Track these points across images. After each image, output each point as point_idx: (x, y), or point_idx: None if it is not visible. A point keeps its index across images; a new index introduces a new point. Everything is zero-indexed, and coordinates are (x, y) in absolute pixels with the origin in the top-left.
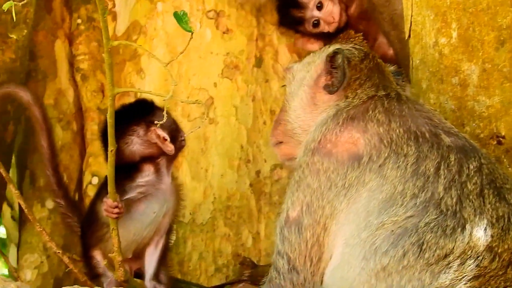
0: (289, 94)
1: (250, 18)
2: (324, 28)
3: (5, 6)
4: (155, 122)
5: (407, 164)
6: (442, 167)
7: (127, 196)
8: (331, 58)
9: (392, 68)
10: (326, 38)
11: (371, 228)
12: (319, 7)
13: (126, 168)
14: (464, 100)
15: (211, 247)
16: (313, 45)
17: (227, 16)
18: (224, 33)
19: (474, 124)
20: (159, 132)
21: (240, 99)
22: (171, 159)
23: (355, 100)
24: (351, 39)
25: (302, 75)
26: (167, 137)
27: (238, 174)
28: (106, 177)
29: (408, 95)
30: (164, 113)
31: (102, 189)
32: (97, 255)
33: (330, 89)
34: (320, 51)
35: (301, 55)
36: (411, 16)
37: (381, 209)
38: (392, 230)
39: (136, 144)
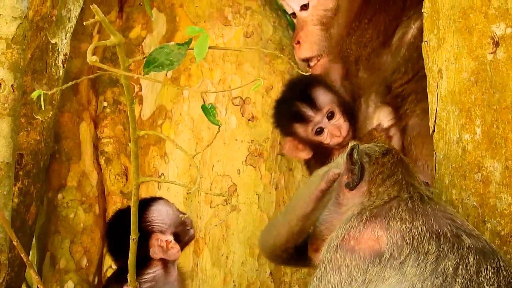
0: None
1: None
2: (326, 139)
3: (34, 95)
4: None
5: (427, 263)
6: (460, 267)
7: None
8: (350, 155)
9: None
10: (319, 152)
11: None
12: (330, 116)
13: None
14: (486, 197)
15: None
16: (302, 154)
17: (252, 104)
18: (249, 120)
19: (495, 222)
20: (160, 242)
21: (263, 187)
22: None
23: (378, 199)
24: (374, 139)
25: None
26: (170, 238)
27: (259, 263)
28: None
29: (430, 196)
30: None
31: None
32: None
33: (350, 186)
34: (344, 151)
35: None
36: (436, 111)
37: None
38: None
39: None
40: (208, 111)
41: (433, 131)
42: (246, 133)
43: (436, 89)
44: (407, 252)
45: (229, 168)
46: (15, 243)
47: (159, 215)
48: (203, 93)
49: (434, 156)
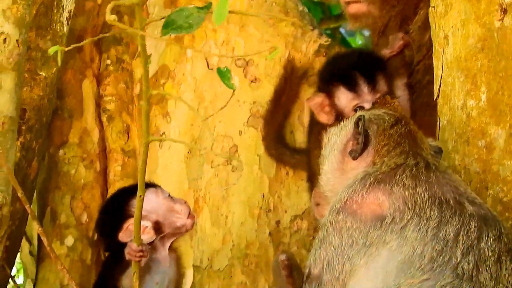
0: (322, 157)
1: (278, 68)
2: None
3: (51, 51)
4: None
5: (428, 228)
6: (461, 233)
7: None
8: (356, 123)
9: (433, 143)
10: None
11: None
12: (375, 102)
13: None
14: (489, 163)
15: None
16: (324, 116)
17: (255, 65)
18: (252, 81)
19: (498, 188)
20: (130, 227)
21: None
22: (165, 237)
23: (383, 167)
24: (387, 105)
25: (334, 139)
26: (147, 224)
27: (258, 223)
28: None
29: (437, 164)
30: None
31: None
32: None
33: (353, 154)
34: (353, 116)
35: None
36: (441, 76)
37: (399, 271)
38: None
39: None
40: (223, 74)
41: (438, 96)
42: (249, 95)
43: (442, 55)
44: (409, 217)
45: (231, 129)
46: (19, 194)
47: (145, 201)
48: (207, 55)
49: (438, 121)
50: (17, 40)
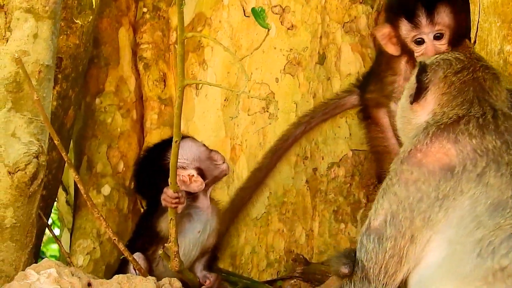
0: (399, 105)
1: (315, 15)
2: (419, 52)
3: None
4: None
5: None
6: None
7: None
8: (418, 69)
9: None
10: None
11: (486, 227)
12: (438, 36)
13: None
14: None
15: (264, 242)
16: (391, 48)
17: (292, 12)
18: (288, 29)
19: None
20: (181, 177)
21: (301, 96)
22: (206, 185)
23: (444, 118)
24: (465, 49)
25: (407, 86)
26: (192, 173)
27: (295, 171)
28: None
29: (506, 111)
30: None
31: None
32: (140, 259)
33: (409, 100)
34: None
35: (364, 55)
36: (478, 22)
37: (492, 211)
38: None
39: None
40: (258, 14)
41: (475, 42)
42: (285, 42)
43: (479, 0)
44: (484, 164)
45: (267, 76)
46: (56, 143)
47: (184, 151)
48: (244, 2)
49: None
50: None
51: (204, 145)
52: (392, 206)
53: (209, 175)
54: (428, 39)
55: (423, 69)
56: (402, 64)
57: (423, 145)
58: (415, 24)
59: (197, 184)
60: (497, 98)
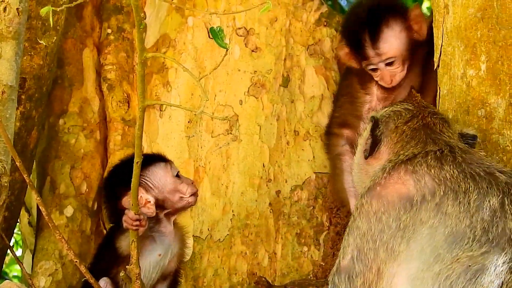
0: (354, 160)
1: (279, 37)
2: (376, 77)
3: (43, 11)
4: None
5: (470, 200)
6: (506, 202)
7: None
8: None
9: (471, 131)
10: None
11: (443, 261)
12: (389, 63)
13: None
14: (489, 133)
15: (227, 264)
16: (354, 63)
17: (256, 34)
18: (253, 51)
19: (497, 158)
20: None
21: (265, 118)
22: (169, 213)
23: (400, 157)
24: (413, 98)
25: (360, 142)
26: (150, 199)
27: (258, 193)
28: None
29: (463, 147)
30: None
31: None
32: (108, 284)
33: (365, 154)
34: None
35: (328, 78)
36: (441, 46)
37: (450, 243)
38: (469, 266)
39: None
40: (216, 34)
41: (438, 66)
42: (249, 64)
43: (442, 24)
44: (441, 193)
45: (231, 98)
46: (18, 164)
47: (153, 176)
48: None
49: (438, 91)
50: (17, 9)
51: (178, 174)
52: (356, 240)
53: (170, 206)
54: (381, 66)
55: (376, 124)
56: (374, 83)
57: (382, 179)
58: (363, 56)
59: (149, 210)
60: (450, 138)
